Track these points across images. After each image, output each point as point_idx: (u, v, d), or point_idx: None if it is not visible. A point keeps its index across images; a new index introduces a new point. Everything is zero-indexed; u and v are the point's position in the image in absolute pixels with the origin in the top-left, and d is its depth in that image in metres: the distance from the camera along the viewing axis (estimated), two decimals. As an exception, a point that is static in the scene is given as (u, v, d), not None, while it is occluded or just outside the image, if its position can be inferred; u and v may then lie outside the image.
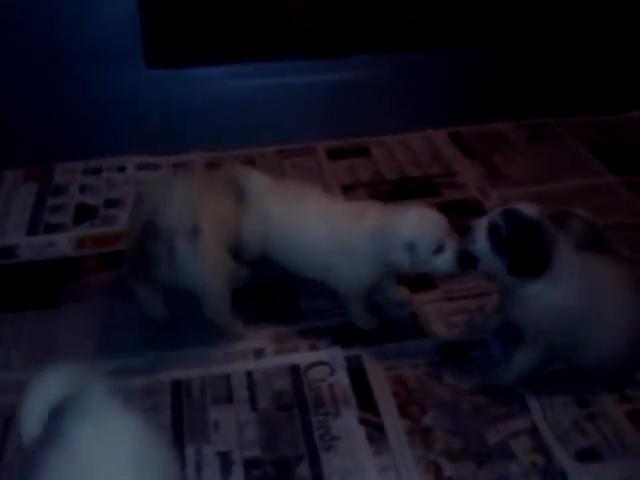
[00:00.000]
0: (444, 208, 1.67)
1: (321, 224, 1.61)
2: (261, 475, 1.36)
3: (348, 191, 2.22)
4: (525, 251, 1.36)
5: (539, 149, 2.44)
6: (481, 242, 1.39)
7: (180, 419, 1.47)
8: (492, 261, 1.39)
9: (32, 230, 2.05)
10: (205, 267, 1.51)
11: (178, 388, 1.54)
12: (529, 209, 1.37)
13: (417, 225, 1.49)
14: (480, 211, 2.08)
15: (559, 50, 2.52)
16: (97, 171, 2.33)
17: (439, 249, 1.48)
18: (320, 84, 2.42)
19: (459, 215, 1.93)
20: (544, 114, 2.59)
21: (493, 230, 1.37)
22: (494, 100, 2.52)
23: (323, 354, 1.62)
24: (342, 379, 1.56)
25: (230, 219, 1.64)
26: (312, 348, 1.64)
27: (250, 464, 1.38)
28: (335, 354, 1.62)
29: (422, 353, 1.63)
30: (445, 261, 1.49)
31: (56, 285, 1.83)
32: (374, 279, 1.64)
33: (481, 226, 1.39)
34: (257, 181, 1.73)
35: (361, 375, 1.57)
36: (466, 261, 1.44)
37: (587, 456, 1.39)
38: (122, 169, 2.33)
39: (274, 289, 1.79)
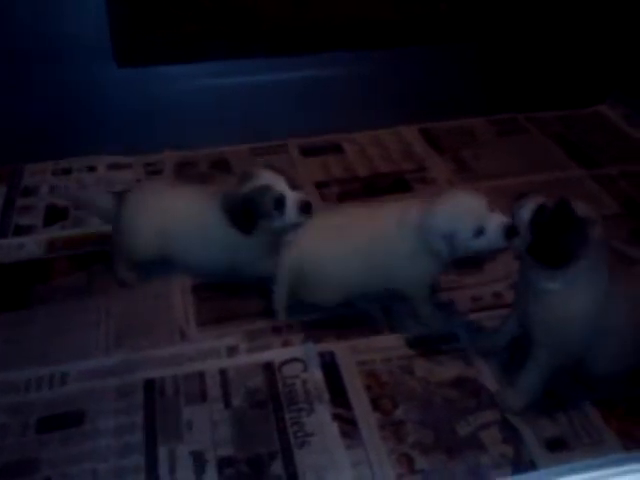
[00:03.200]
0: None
1: (374, 238, 1.62)
2: (235, 474, 1.36)
3: (321, 188, 2.24)
4: (552, 238, 1.36)
5: (508, 144, 2.47)
6: (524, 214, 1.40)
7: (153, 419, 1.47)
8: (524, 236, 1.41)
9: (1, 232, 2.02)
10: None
11: (151, 387, 1.54)
12: (583, 208, 1.38)
13: (452, 215, 1.51)
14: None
15: (526, 46, 2.55)
16: (67, 171, 2.30)
17: (479, 232, 1.49)
18: (291, 82, 2.42)
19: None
20: (512, 109, 2.62)
21: (540, 208, 1.39)
22: (463, 96, 2.55)
23: (296, 350, 1.63)
24: (315, 375, 1.57)
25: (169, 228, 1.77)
26: (285, 345, 1.65)
27: (224, 463, 1.38)
28: (308, 350, 1.63)
29: (394, 347, 1.65)
30: (488, 241, 1.50)
31: (26, 287, 1.81)
32: (435, 272, 1.64)
33: (530, 203, 1.41)
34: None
35: (334, 370, 1.59)
36: (513, 235, 1.44)
37: (555, 445, 1.41)
38: (92, 169, 2.32)
39: (246, 286, 1.79)
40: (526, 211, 1.40)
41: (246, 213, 1.63)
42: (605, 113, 2.67)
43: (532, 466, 1.37)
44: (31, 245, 1.97)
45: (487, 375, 1.57)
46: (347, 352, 1.63)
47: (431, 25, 2.46)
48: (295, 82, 2.43)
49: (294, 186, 1.66)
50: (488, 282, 1.83)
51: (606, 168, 2.33)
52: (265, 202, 1.61)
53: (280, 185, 1.63)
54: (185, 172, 2.31)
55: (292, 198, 1.62)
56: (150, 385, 1.54)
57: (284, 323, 1.70)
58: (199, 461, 1.38)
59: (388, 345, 1.65)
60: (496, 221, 1.48)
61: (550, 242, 1.36)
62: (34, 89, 2.24)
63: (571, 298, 1.38)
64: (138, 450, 1.41)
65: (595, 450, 1.40)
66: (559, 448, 1.41)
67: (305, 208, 1.62)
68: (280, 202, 1.61)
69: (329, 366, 1.60)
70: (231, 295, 1.78)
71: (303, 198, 1.63)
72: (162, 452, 1.40)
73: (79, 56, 2.20)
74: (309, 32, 2.39)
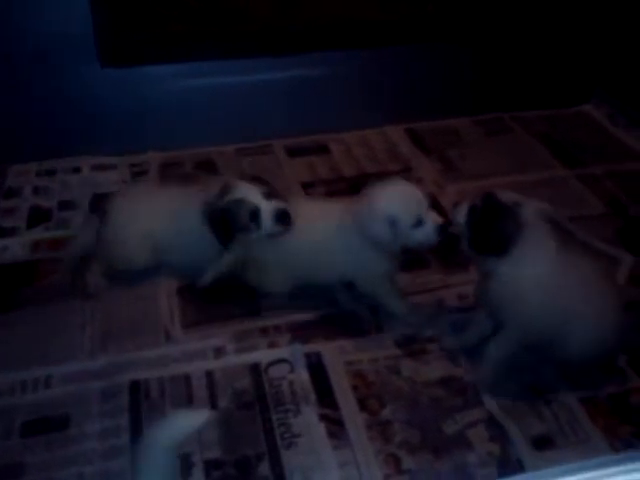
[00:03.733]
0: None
1: (317, 230, 1.63)
2: (222, 476, 1.35)
3: (307, 188, 2.23)
4: (486, 230, 1.45)
5: (493, 143, 2.48)
6: (460, 219, 1.49)
7: (139, 421, 1.46)
8: (465, 237, 1.50)
9: (-16, 235, 2.00)
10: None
11: (136, 389, 1.53)
12: (509, 196, 1.45)
13: (397, 200, 1.54)
14: (437, 206, 2.11)
15: (512, 47, 2.56)
16: (51, 173, 2.29)
17: (418, 223, 1.52)
18: (278, 82, 2.42)
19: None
20: (498, 109, 2.63)
21: (471, 209, 1.47)
22: (449, 96, 2.56)
23: (283, 351, 1.63)
24: (302, 376, 1.57)
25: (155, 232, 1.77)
26: (272, 346, 1.65)
27: (211, 465, 1.37)
28: (295, 351, 1.62)
29: (381, 347, 1.64)
30: (425, 234, 1.54)
31: (10, 290, 1.79)
32: (383, 267, 1.63)
33: (464, 206, 1.50)
34: None
35: (321, 371, 1.58)
36: (445, 233, 1.52)
37: (542, 444, 1.42)
38: (77, 170, 2.30)
39: (232, 288, 1.78)
40: (460, 214, 1.49)
41: (225, 226, 1.62)
42: (589, 113, 2.68)
43: (519, 464, 1.38)
44: (15, 247, 1.95)
45: (473, 374, 1.57)
46: (334, 352, 1.63)
47: (418, 25, 2.46)
48: (282, 82, 2.42)
49: (273, 194, 1.64)
50: (473, 281, 1.83)
51: (591, 168, 2.34)
52: (241, 215, 1.60)
53: (255, 197, 1.61)
54: (170, 173, 2.29)
55: (267, 209, 1.60)
56: (135, 387, 1.53)
57: (271, 324, 1.70)
58: (186, 464, 1.37)
59: (375, 345, 1.65)
60: (433, 217, 1.54)
61: (484, 234, 1.45)
62: (19, 89, 2.22)
63: (521, 274, 1.44)
64: (124, 453, 1.39)
65: (582, 448, 1.40)
66: (546, 446, 1.41)
67: (282, 217, 1.61)
68: (255, 214, 1.60)
69: (316, 367, 1.59)
70: (217, 296, 1.77)
71: (280, 207, 1.61)
72: (148, 455, 1.39)
73: (64, 56, 2.17)
74: (297, 32, 2.38)
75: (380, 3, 2.45)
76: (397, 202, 1.53)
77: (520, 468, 1.37)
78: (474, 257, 1.53)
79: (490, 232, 1.45)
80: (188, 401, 1.50)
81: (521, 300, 1.45)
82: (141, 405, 1.49)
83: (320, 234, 1.63)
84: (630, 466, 0.86)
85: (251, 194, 1.61)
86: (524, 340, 1.50)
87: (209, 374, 1.57)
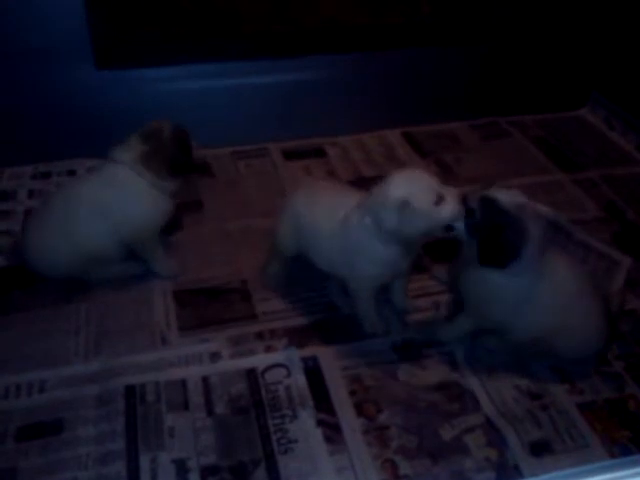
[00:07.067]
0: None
1: (331, 219, 1.58)
2: (218, 481, 1.35)
3: (303, 192, 2.23)
4: (493, 245, 1.39)
5: (490, 148, 2.48)
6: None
7: (134, 426, 1.45)
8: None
9: (-22, 238, 1.98)
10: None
11: (132, 394, 1.52)
12: (509, 200, 1.39)
13: (407, 183, 1.44)
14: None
15: (508, 51, 2.56)
16: (46, 175, 2.27)
17: (440, 198, 1.42)
18: (274, 85, 2.41)
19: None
20: (494, 113, 2.64)
21: (468, 212, 1.42)
22: (446, 100, 2.56)
23: (279, 356, 1.62)
24: (299, 380, 1.56)
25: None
26: (268, 350, 1.64)
27: (207, 471, 1.36)
28: (291, 355, 1.62)
29: (378, 351, 1.64)
30: (450, 210, 1.42)
31: (4, 294, 1.78)
32: (389, 263, 1.55)
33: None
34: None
35: (318, 375, 1.57)
36: (467, 209, 1.44)
37: (540, 449, 1.41)
38: (72, 173, 2.28)
39: (229, 291, 1.77)
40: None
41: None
42: (586, 117, 2.69)
43: (516, 470, 1.37)
44: (9, 250, 1.94)
45: (471, 378, 1.57)
46: (331, 357, 1.62)
47: (414, 28, 2.46)
48: (278, 85, 2.42)
49: None
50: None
51: (587, 172, 2.34)
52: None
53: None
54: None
55: None
56: (131, 392, 1.52)
57: (267, 328, 1.69)
58: (181, 469, 1.36)
59: (372, 349, 1.64)
60: (453, 191, 1.44)
61: (488, 249, 1.40)
62: (13, 91, 2.21)
63: (505, 284, 1.44)
64: (119, 458, 1.38)
65: (580, 454, 1.40)
66: (543, 452, 1.41)
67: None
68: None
69: (312, 371, 1.58)
70: (213, 300, 1.77)
71: None
72: (144, 460, 1.38)
73: (60, 58, 2.17)
74: (293, 35, 2.38)
75: (375, 5, 2.46)
76: (409, 182, 1.43)
77: (518, 474, 1.36)
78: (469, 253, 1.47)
79: (495, 248, 1.39)
80: (184, 406, 1.49)
81: (492, 302, 1.48)
82: (137, 410, 1.48)
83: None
84: (629, 471, 0.86)
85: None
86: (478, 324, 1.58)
87: (205, 379, 1.56)
